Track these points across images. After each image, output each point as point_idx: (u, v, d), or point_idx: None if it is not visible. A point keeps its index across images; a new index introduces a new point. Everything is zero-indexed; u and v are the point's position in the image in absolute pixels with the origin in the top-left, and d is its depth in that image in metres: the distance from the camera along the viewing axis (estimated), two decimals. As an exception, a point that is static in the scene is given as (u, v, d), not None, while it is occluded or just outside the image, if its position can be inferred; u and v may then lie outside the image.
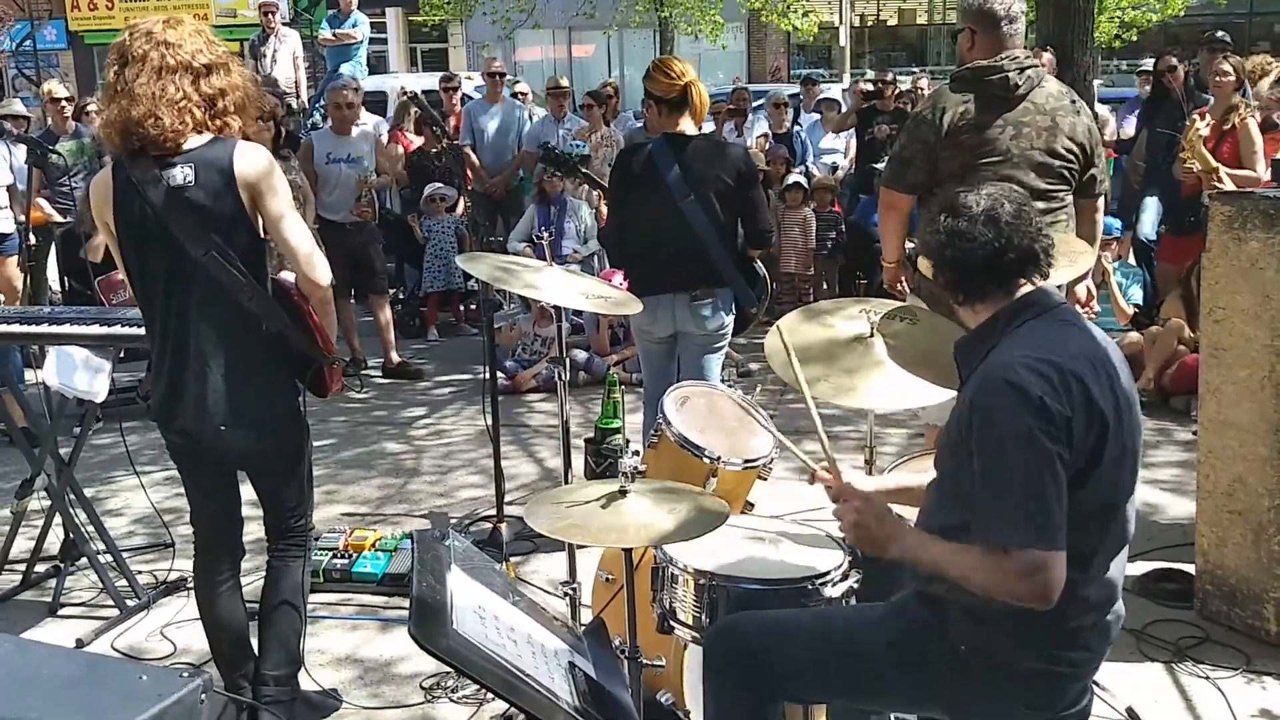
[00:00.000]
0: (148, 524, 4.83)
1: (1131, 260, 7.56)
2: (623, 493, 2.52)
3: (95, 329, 3.82)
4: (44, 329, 3.90)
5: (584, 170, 6.30)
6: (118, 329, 3.78)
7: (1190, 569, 3.91)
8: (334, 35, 11.19)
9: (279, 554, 3.20)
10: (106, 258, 5.48)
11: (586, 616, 3.36)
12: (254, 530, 3.29)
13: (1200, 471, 3.84)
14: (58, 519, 4.16)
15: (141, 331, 3.29)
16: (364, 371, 7.40)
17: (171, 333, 2.94)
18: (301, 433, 3.15)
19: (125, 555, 4.30)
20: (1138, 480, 2.27)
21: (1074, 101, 3.93)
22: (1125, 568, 2.30)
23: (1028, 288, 2.27)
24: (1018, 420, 2.08)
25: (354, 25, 11.17)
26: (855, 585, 2.67)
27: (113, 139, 2.88)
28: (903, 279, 4.19)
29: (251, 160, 2.87)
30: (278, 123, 6.73)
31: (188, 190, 2.82)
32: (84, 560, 4.14)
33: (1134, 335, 6.43)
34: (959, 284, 2.31)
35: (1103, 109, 8.85)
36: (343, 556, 4.28)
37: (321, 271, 2.98)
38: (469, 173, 8.57)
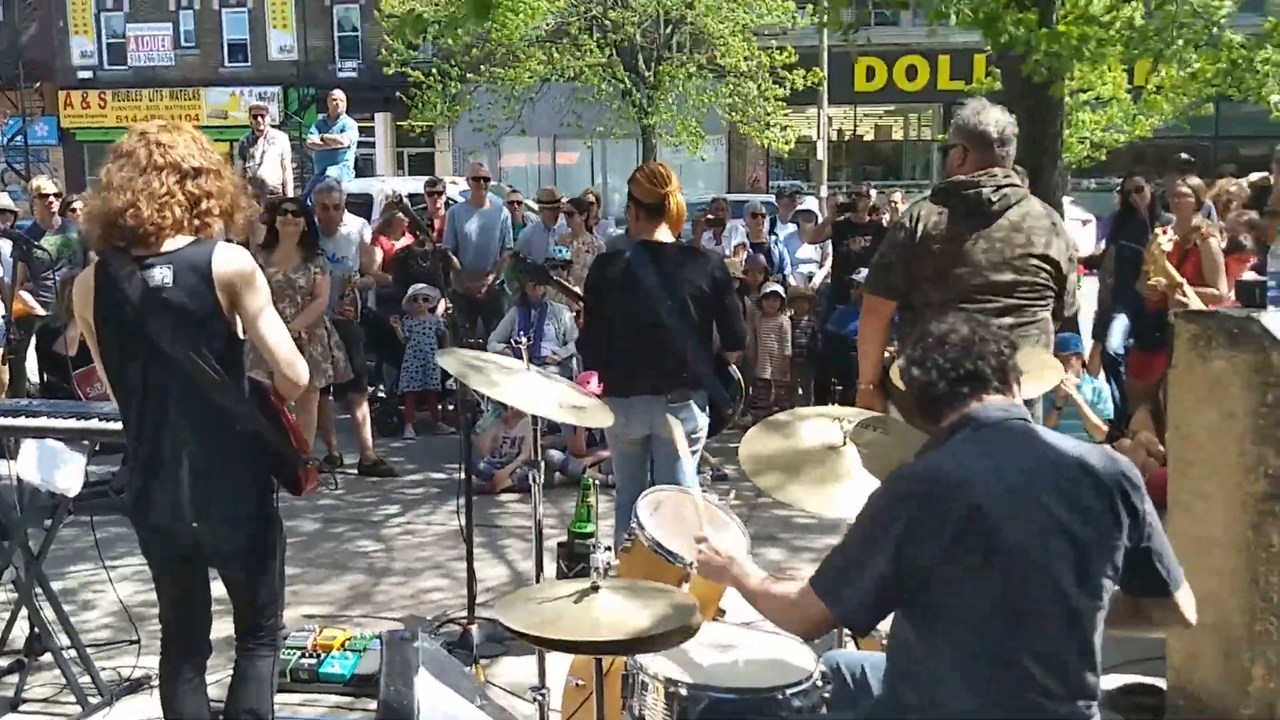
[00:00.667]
0: (115, 619, 4.76)
1: (1101, 375, 7.67)
2: (595, 589, 2.52)
3: (71, 422, 3.82)
4: (19, 421, 3.88)
5: (554, 278, 6.44)
6: (93, 422, 3.79)
7: (1162, 684, 3.90)
8: (322, 140, 11.38)
9: (247, 652, 3.16)
10: (83, 350, 5.50)
11: (556, 723, 3.32)
12: (223, 628, 3.25)
13: (1170, 586, 3.85)
14: (24, 612, 4.10)
15: (117, 425, 3.29)
16: (340, 469, 7.37)
17: (147, 429, 2.95)
18: (274, 530, 3.14)
19: (91, 651, 4.23)
20: (1103, 602, 2.28)
21: (1054, 223, 4.05)
22: (1098, 683, 2.30)
23: (974, 404, 2.37)
24: (881, 496, 2.33)
25: (342, 130, 11.37)
26: (825, 695, 2.66)
27: (94, 232, 2.94)
28: (874, 404, 4.20)
29: (230, 261, 2.91)
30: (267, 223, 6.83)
31: (166, 290, 2.85)
32: (49, 655, 4.07)
33: (1106, 449, 6.49)
34: (918, 403, 2.49)
35: (1074, 225, 9.07)
36: (311, 656, 4.22)
37: (300, 371, 3.02)
38: (451, 274, 8.69)
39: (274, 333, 2.98)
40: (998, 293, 3.88)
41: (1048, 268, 3.97)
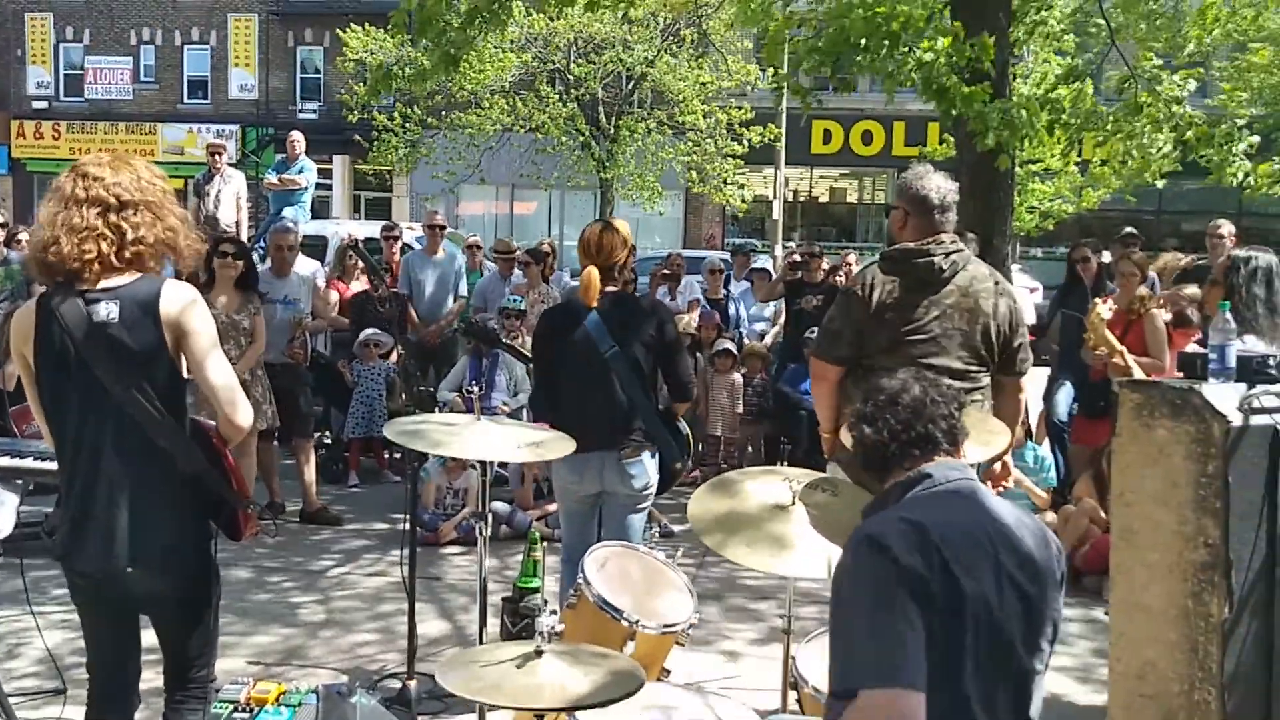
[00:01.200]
0: (42, 667, 4.62)
1: (1046, 442, 7.77)
2: (539, 653, 2.48)
3: (4, 460, 3.72)
4: (-48, 459, 3.79)
5: (503, 341, 6.45)
6: (28, 461, 3.70)
7: (1103, 753, 3.90)
8: (279, 180, 11.33)
9: (176, 705, 3.08)
10: (20, 386, 5.38)
11: (494, 783, 3.25)
12: (151, 679, 3.16)
13: (1112, 654, 3.87)
14: (-57, 658, 3.97)
15: (52, 465, 3.22)
16: (282, 515, 7.24)
17: (81, 467, 2.88)
18: (210, 577, 3.06)
19: (14, 700, 4.09)
20: (1044, 663, 2.29)
21: (998, 284, 4.11)
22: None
23: (926, 464, 2.38)
24: (869, 569, 2.18)
25: (299, 171, 11.32)
26: (768, 760, 2.63)
27: (34, 269, 2.93)
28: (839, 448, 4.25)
29: (178, 299, 2.87)
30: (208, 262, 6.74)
31: (110, 326, 2.81)
32: (-32, 704, 3.93)
33: (1049, 515, 6.56)
34: (865, 460, 2.48)
35: (1021, 292, 9.21)
36: (244, 710, 4.07)
37: (244, 415, 2.97)
38: (407, 321, 8.64)
39: (220, 374, 2.93)
40: (949, 357, 3.92)
41: (995, 329, 4.03)
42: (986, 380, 4.07)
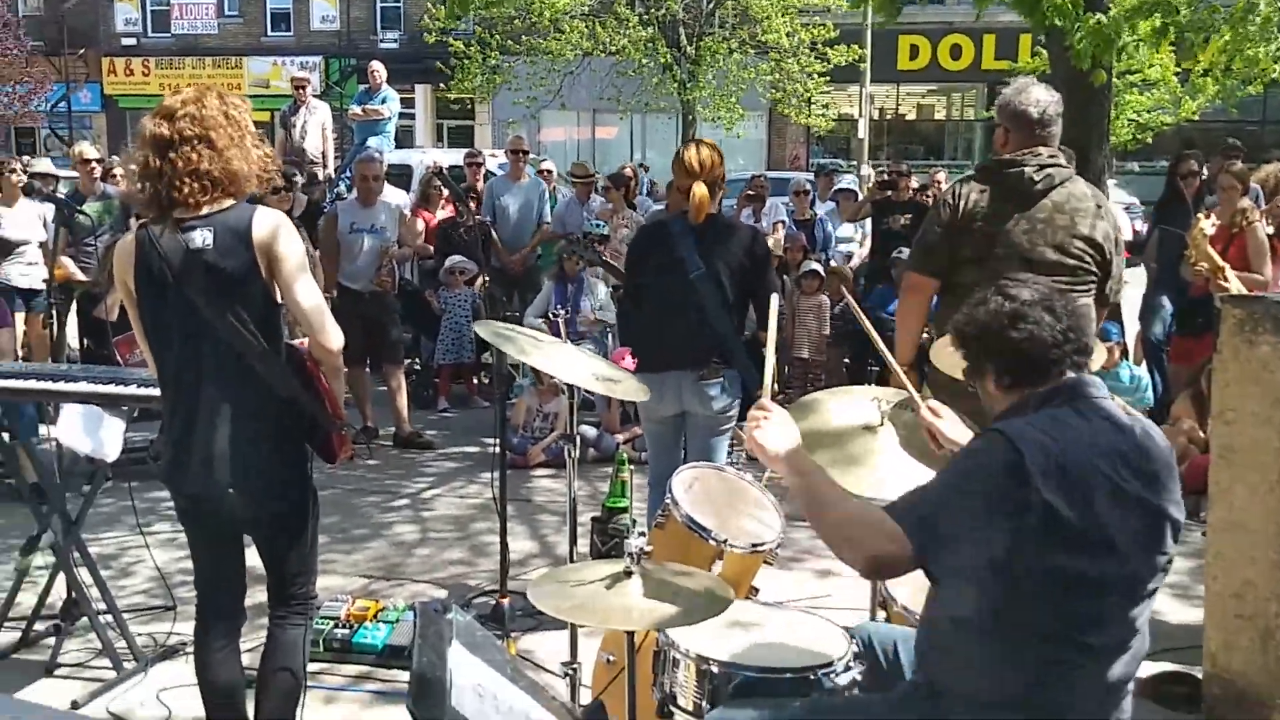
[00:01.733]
0: (152, 585, 4.82)
1: (1143, 363, 7.58)
2: (628, 574, 2.52)
3: (110, 388, 3.84)
4: (59, 386, 3.92)
5: (607, 260, 6.41)
6: (132, 389, 3.81)
7: (1198, 672, 3.86)
8: (363, 111, 11.40)
9: (280, 620, 3.18)
10: (124, 316, 5.55)
11: (586, 697, 3.33)
12: (258, 596, 3.28)
13: (1208, 574, 3.81)
14: (61, 577, 4.16)
15: (155, 392, 3.31)
16: (376, 440, 7.42)
17: (183, 394, 2.97)
18: (308, 498, 3.15)
19: (127, 616, 4.28)
20: (1155, 582, 2.25)
21: (1099, 205, 3.97)
22: (1137, 668, 2.28)
23: (1068, 376, 2.30)
24: (990, 473, 2.16)
25: (383, 101, 11.38)
26: (858, 676, 2.64)
27: (133, 199, 3.03)
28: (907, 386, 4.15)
29: (269, 225, 2.93)
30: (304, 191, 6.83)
31: (206, 253, 2.88)
32: (85, 620, 4.12)
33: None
34: (1009, 367, 2.33)
35: (1118, 208, 8.94)
36: (344, 626, 4.25)
37: (334, 337, 3.02)
38: (490, 248, 8.69)
39: (309, 297, 2.98)
40: (1039, 274, 3.81)
41: (1091, 251, 3.90)
42: (1084, 299, 3.96)
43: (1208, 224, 4.71)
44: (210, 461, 2.94)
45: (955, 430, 2.83)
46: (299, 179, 8.58)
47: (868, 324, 3.34)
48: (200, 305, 2.88)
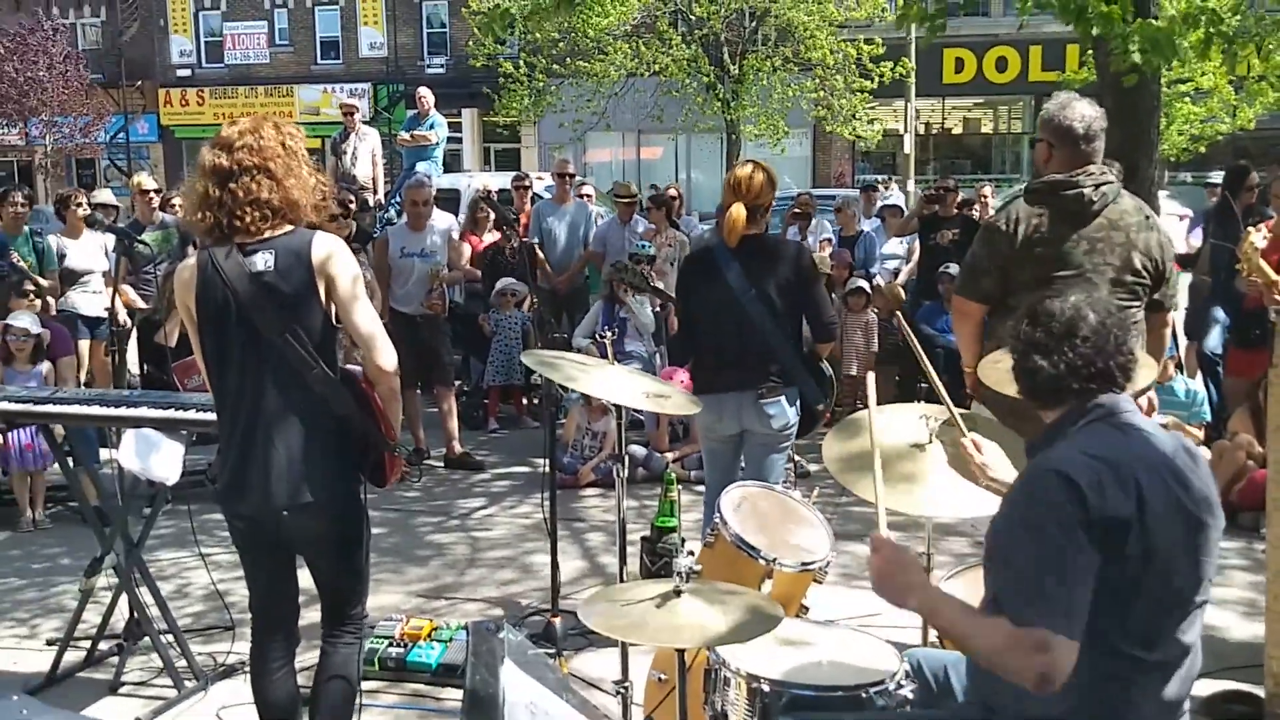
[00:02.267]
0: (211, 605, 4.91)
1: (1198, 376, 7.48)
2: (677, 593, 2.53)
3: (170, 413, 3.92)
4: (121, 411, 4.02)
5: (653, 285, 6.43)
6: (191, 414, 3.89)
7: (1260, 691, 3.79)
8: (410, 137, 11.55)
9: (332, 640, 3.23)
10: (182, 343, 5.66)
11: (638, 716, 3.35)
12: (311, 617, 3.33)
13: (1270, 591, 3.75)
14: (124, 597, 4.25)
15: (213, 416, 3.38)
16: (427, 461, 7.50)
17: (242, 415, 3.03)
18: (361, 519, 3.19)
19: (187, 636, 4.37)
20: (1206, 595, 2.24)
21: (1148, 217, 3.94)
22: (1191, 687, 2.26)
23: (1101, 397, 2.30)
24: (1055, 504, 2.11)
25: (431, 127, 11.52)
26: (909, 695, 2.64)
27: (194, 227, 3.11)
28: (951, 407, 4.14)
29: (327, 248, 3.01)
30: (354, 217, 6.94)
31: (267, 275, 2.96)
32: (147, 639, 4.21)
33: (1204, 451, 6.32)
34: (1034, 391, 2.35)
35: (1170, 220, 8.84)
36: (398, 645, 4.30)
37: (388, 359, 3.08)
38: (538, 270, 8.76)
39: (366, 319, 3.05)
40: (1100, 293, 3.79)
41: (1148, 263, 3.88)
42: (1140, 315, 3.93)
43: (1258, 236, 4.64)
44: (267, 480, 3.00)
45: (997, 464, 2.82)
46: (353, 205, 8.71)
47: (917, 346, 3.33)
48: (261, 326, 2.95)
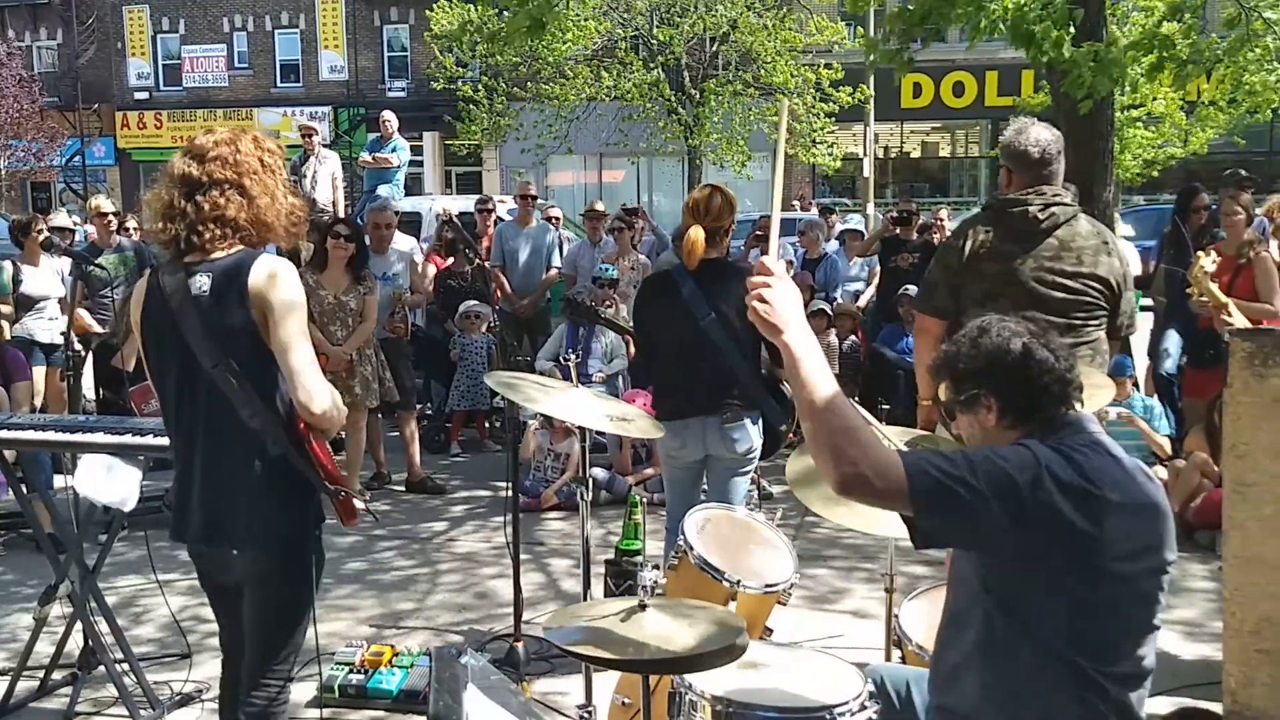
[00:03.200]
0: (167, 633, 4.83)
1: (1154, 395, 7.57)
2: (642, 607, 2.53)
3: (126, 438, 3.86)
4: (76, 437, 3.95)
5: (604, 318, 6.46)
6: (148, 439, 3.83)
7: (1217, 708, 3.83)
8: (373, 159, 11.53)
9: (248, 700, 2.93)
10: (139, 367, 5.60)
11: (602, 741, 3.32)
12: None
13: (1227, 609, 3.79)
14: (79, 626, 4.18)
15: (168, 441, 3.30)
16: (387, 485, 7.45)
17: (182, 444, 2.88)
18: (296, 565, 2.87)
19: (143, 664, 4.29)
20: (1156, 615, 2.27)
21: (1106, 242, 4.00)
22: (1146, 703, 2.28)
23: (1068, 413, 2.34)
24: (1011, 454, 2.16)
25: (393, 150, 11.50)
26: (873, 716, 2.64)
27: (154, 238, 2.91)
28: (934, 418, 4.17)
29: (265, 275, 2.75)
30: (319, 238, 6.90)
31: (202, 299, 2.75)
32: (102, 668, 4.14)
33: (1160, 470, 6.40)
34: (1018, 402, 2.35)
35: (1124, 243, 8.97)
36: (359, 671, 4.25)
37: (317, 406, 2.75)
38: (498, 292, 8.75)
39: (299, 360, 2.76)
40: (1050, 312, 3.84)
41: (1098, 286, 3.93)
42: (1096, 334, 3.98)
43: (1208, 260, 4.73)
44: (204, 514, 2.84)
45: None
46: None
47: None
48: (196, 353, 2.76)
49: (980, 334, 2.41)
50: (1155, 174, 19.42)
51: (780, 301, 2.19)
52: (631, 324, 5.26)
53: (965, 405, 2.42)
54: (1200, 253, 5.00)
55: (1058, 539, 2.14)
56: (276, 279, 2.76)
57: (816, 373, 2.16)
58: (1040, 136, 3.95)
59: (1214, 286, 4.77)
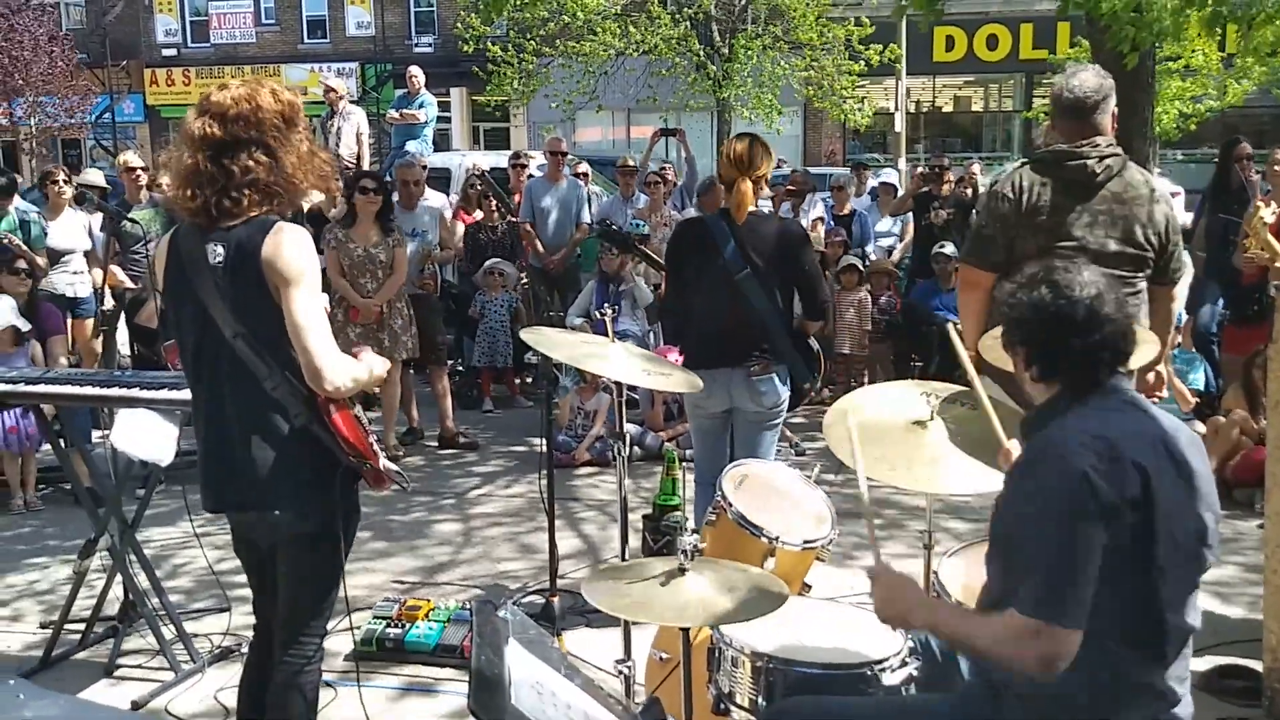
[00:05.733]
0: (207, 585, 4.88)
1: (1191, 348, 7.48)
2: (681, 571, 2.52)
3: (164, 393, 3.87)
4: (114, 392, 3.97)
5: (639, 247, 6.38)
6: (184, 394, 3.84)
7: (1258, 666, 3.80)
8: (399, 115, 11.47)
9: (279, 665, 2.91)
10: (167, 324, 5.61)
11: (639, 696, 3.33)
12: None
13: (1268, 566, 3.75)
14: (118, 579, 4.22)
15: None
16: (421, 440, 7.48)
17: (202, 408, 2.84)
18: (322, 532, 2.83)
19: (183, 617, 4.34)
20: (1203, 572, 2.24)
21: (1153, 191, 3.93)
22: (1190, 663, 2.26)
23: (1104, 374, 2.27)
24: (1062, 494, 2.09)
25: (420, 106, 11.43)
26: (914, 673, 2.63)
27: (180, 206, 2.79)
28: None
29: (278, 246, 2.67)
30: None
31: (218, 270, 2.70)
32: (142, 621, 4.18)
33: (1198, 425, 6.33)
34: (1042, 361, 2.29)
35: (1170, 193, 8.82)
36: (396, 625, 4.28)
37: (326, 380, 2.68)
38: (528, 248, 8.72)
39: (310, 333, 2.67)
40: (1103, 265, 3.76)
41: (1152, 238, 3.87)
42: (1143, 285, 3.92)
43: (1267, 211, 4.63)
44: (226, 479, 2.81)
45: None
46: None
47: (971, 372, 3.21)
48: (217, 321, 2.72)
49: (1030, 283, 2.32)
50: (1193, 128, 19.11)
51: (885, 604, 2.34)
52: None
53: (1005, 346, 2.36)
54: (1260, 202, 4.90)
55: (1107, 519, 2.11)
56: (286, 246, 2.68)
57: (960, 633, 2.25)
58: (1086, 80, 3.87)
59: (1272, 238, 4.68)
